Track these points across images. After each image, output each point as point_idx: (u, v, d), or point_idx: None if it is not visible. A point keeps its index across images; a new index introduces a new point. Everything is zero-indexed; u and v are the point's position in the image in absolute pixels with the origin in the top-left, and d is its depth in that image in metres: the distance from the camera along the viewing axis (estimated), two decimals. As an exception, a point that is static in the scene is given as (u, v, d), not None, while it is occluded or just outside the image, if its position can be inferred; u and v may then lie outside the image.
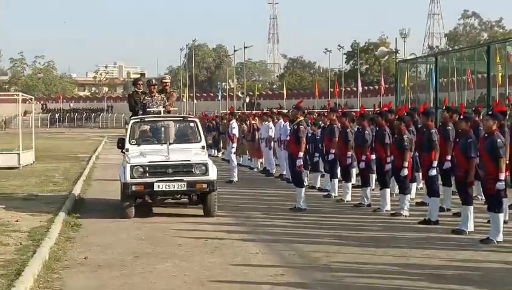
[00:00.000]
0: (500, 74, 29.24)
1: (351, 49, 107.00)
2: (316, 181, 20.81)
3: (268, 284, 9.40)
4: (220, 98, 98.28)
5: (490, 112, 12.57)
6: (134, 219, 14.99)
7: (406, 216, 15.15)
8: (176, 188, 14.76)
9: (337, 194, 18.53)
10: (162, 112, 16.92)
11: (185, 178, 14.70)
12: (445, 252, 11.50)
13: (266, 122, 26.29)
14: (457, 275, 9.94)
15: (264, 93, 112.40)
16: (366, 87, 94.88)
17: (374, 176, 18.29)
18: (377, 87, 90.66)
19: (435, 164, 14.35)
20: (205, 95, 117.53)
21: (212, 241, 12.49)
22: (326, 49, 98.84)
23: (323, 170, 20.53)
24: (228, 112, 35.27)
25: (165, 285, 9.44)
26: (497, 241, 12.04)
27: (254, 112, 50.18)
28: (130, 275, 10.02)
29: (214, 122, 39.51)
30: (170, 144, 15.62)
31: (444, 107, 17.30)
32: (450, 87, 33.00)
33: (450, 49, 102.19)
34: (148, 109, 17.08)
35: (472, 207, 13.19)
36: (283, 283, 9.49)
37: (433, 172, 14.35)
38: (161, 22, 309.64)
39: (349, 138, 17.58)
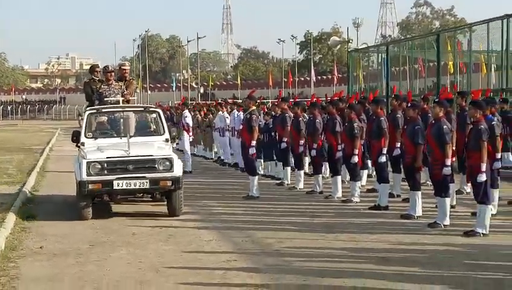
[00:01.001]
0: (451, 62, 29.81)
1: (304, 39, 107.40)
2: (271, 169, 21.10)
3: (221, 269, 9.62)
4: (174, 88, 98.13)
5: (437, 100, 12.91)
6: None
7: (356, 202, 15.47)
8: (137, 186, 13.53)
9: (289, 182, 18.82)
10: (121, 102, 15.46)
11: (147, 175, 13.51)
12: (394, 236, 11.83)
13: (221, 112, 26.49)
14: (404, 258, 10.27)
15: (218, 83, 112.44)
16: (319, 77, 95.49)
17: (325, 164, 18.58)
18: (330, 76, 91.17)
19: (385, 150, 14.73)
20: (159, 86, 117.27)
21: (166, 230, 12.69)
22: (279, 39, 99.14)
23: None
24: (181, 102, 35.41)
25: (120, 272, 9.61)
26: (444, 225, 12.41)
27: (209, 102, 50.33)
28: (85, 263, 10.18)
29: (168, 113, 39.54)
30: (130, 137, 14.18)
31: (393, 96, 17.65)
32: (401, 76, 33.53)
33: (402, 38, 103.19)
34: (105, 99, 15.63)
35: (420, 192, 13.56)
36: (235, 268, 9.72)
37: (383, 159, 14.71)
38: (113, 13, 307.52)
39: (301, 127, 17.85)
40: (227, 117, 25.67)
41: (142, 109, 16.15)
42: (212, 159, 28.16)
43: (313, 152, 17.24)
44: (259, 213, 14.47)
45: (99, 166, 13.47)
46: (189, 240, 11.79)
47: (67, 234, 12.49)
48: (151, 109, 15.91)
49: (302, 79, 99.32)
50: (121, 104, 15.39)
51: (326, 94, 26.60)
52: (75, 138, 14.79)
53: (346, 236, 11.89)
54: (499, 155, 13.05)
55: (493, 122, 12.87)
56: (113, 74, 16.12)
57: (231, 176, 21.68)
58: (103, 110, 15.31)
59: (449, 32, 30.99)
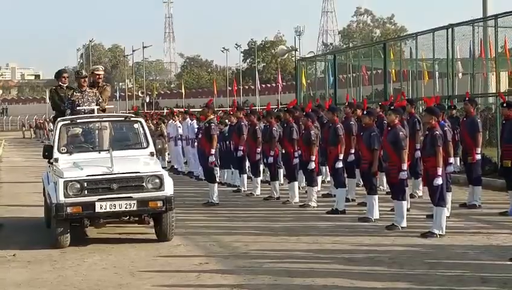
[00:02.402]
0: (393, 70, 30.63)
1: (248, 48, 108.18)
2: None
3: (194, 271, 10.04)
4: (118, 98, 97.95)
5: (392, 107, 13.49)
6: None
7: (314, 207, 15.98)
8: (123, 208, 11.81)
9: (246, 189, 19.28)
10: (96, 111, 13.81)
11: (134, 195, 11.81)
12: (355, 238, 12.36)
13: (173, 121, 26.84)
14: (367, 258, 10.78)
15: (162, 92, 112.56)
16: (263, 85, 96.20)
17: (281, 171, 19.08)
18: (274, 84, 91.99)
19: (341, 157, 15.26)
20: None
21: (134, 237, 13.03)
22: (224, 48, 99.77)
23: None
24: (133, 111, 35.60)
25: (98, 276, 9.97)
26: (401, 227, 12.97)
27: (157, 111, 50.53)
28: (61, 269, 10.54)
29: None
30: (108, 151, 12.46)
31: (347, 103, 18.22)
32: (347, 83, 34.20)
33: (344, 46, 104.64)
34: (78, 108, 13.91)
35: (377, 196, 14.14)
36: (208, 270, 10.14)
37: (340, 165, 15.25)
38: (55, 23, 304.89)
39: (257, 135, 18.33)
40: (179, 126, 26.06)
41: (123, 118, 14.07)
42: (165, 167, 28.43)
43: (270, 159, 17.72)
44: (221, 219, 14.91)
45: (79, 185, 11.68)
46: (158, 246, 12.16)
47: (37, 242, 12.73)
48: (132, 119, 13.92)
49: (247, 87, 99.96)
50: (96, 114, 13.75)
51: (269, 102, 27.09)
52: (47, 153, 12.83)
53: (309, 239, 12.38)
54: (451, 160, 13.66)
55: (445, 128, 13.47)
56: (86, 79, 14.48)
57: (188, 184, 22.06)
58: (77, 120, 13.43)
59: (392, 41, 31.78)
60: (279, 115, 18.67)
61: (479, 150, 15.18)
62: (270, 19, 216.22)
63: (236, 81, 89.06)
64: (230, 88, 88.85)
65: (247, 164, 19.63)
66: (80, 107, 13.96)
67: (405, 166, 12.97)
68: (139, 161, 12.60)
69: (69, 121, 13.39)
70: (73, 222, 12.07)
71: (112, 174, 11.85)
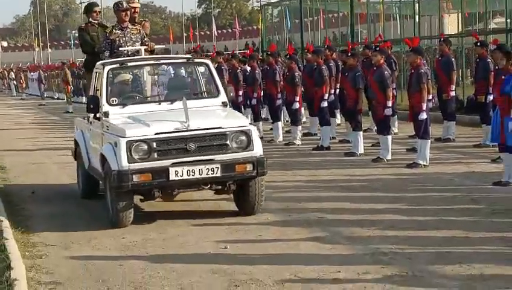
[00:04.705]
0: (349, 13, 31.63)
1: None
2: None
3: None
4: (72, 46, 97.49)
5: (378, 48, 14.50)
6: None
7: (298, 145, 17.02)
8: (204, 175, 9.41)
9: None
10: (143, 53, 11.47)
11: (217, 157, 9.49)
12: (346, 171, 13.42)
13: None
14: (363, 186, 11.87)
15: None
16: (219, 31, 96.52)
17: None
18: (230, 30, 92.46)
19: (326, 96, 16.27)
20: (56, 43, 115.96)
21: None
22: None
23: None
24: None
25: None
26: (387, 160, 14.05)
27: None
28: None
29: (84, 69, 40.19)
30: (173, 101, 10.36)
31: (326, 46, 19.15)
32: (303, 27, 34.67)
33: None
34: (120, 49, 11.58)
35: (361, 132, 15.17)
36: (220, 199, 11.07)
37: (325, 104, 16.26)
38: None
39: (239, 78, 19.23)
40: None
41: (185, 60, 11.71)
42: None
43: (254, 101, 18.65)
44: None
45: (146, 147, 9.32)
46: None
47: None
48: (198, 61, 11.64)
49: (203, 33, 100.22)
50: (149, 56, 11.70)
51: (225, 46, 27.49)
52: (92, 106, 10.26)
53: (305, 172, 13.42)
54: (430, 96, 14.74)
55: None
56: (128, 13, 12.02)
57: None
58: (128, 64, 10.88)
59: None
60: (262, 58, 19.59)
61: (453, 87, 16.26)
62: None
63: (192, 27, 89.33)
64: (186, 34, 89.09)
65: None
66: (123, 48, 11.61)
67: (390, 103, 13.99)
68: (217, 114, 10.29)
69: (117, 65, 10.71)
70: (139, 193, 9.77)
71: (188, 130, 9.45)
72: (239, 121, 10.01)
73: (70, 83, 35.11)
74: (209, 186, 9.76)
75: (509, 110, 10.80)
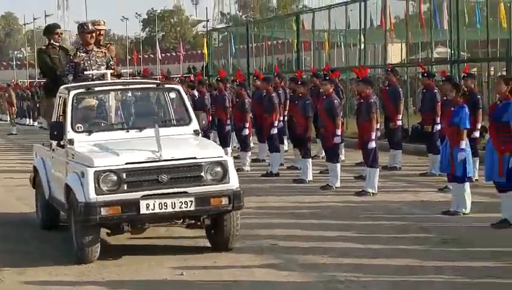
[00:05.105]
0: (294, 41, 32.02)
1: (147, 17, 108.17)
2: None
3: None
4: (15, 67, 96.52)
5: (327, 77, 14.72)
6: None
7: (247, 171, 17.12)
8: (177, 208, 8.85)
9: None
10: (109, 77, 10.76)
11: (190, 189, 8.93)
12: (295, 198, 13.54)
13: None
14: (313, 213, 11.99)
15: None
16: (163, 54, 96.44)
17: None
18: (174, 54, 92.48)
19: (276, 123, 16.43)
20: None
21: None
22: (123, 16, 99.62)
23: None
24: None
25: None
26: (335, 187, 14.22)
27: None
28: None
29: (28, 91, 39.99)
30: (142, 129, 9.78)
31: (275, 74, 19.33)
32: (249, 53, 34.91)
33: (242, 16, 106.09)
34: (85, 72, 11.00)
35: (310, 159, 15.33)
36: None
37: (275, 131, 16.42)
38: None
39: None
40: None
41: (154, 86, 10.92)
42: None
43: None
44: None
45: (116, 178, 8.72)
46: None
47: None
48: (168, 86, 10.81)
49: (147, 56, 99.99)
50: (118, 80, 11.19)
51: (168, 69, 27.34)
52: (56, 132, 9.75)
53: (255, 198, 13.45)
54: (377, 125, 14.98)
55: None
56: (93, 35, 11.58)
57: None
58: (95, 88, 10.25)
59: (306, 13, 33.07)
60: (210, 83, 19.70)
61: (400, 116, 16.55)
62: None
63: (136, 50, 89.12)
64: (130, 57, 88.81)
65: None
66: (88, 72, 11.06)
67: (339, 131, 14.20)
68: (190, 143, 9.75)
69: (83, 90, 10.12)
70: (107, 227, 9.14)
71: (160, 161, 8.87)
72: (214, 151, 9.43)
73: (15, 105, 34.74)
74: (181, 220, 9.18)
75: (459, 141, 11.07)
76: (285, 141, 18.55)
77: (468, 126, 11.40)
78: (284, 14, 54.05)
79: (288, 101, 17.35)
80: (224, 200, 9.03)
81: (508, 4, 22.59)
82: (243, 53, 34.91)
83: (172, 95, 10.42)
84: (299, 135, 15.34)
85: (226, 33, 38.88)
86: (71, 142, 9.52)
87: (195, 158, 9.02)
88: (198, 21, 74.65)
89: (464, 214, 11.31)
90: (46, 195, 10.76)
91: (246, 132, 17.08)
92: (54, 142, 10.12)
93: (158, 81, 12.09)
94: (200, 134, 10.16)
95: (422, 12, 24.76)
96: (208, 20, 65.15)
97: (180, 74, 56.15)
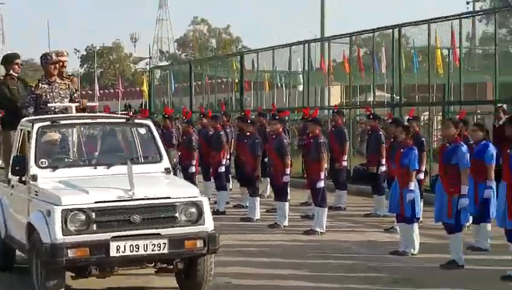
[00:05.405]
0: (236, 80, 32.30)
1: (86, 53, 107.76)
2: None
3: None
4: None
5: (275, 117, 14.87)
6: None
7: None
8: (149, 251, 8.31)
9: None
10: (74, 110, 10.44)
11: (164, 231, 8.42)
12: (244, 236, 13.58)
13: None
14: (262, 252, 12.05)
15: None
16: (102, 91, 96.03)
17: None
18: (113, 90, 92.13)
19: (224, 162, 16.50)
20: None
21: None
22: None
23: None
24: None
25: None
26: (283, 226, 14.31)
27: None
28: None
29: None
30: (110, 166, 9.29)
31: (222, 112, 19.44)
32: (189, 91, 34.96)
33: (182, 54, 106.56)
34: (49, 105, 10.68)
35: (258, 198, 15.45)
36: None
37: (222, 169, 16.49)
38: None
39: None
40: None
41: (124, 120, 10.33)
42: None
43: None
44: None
45: (85, 217, 8.18)
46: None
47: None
48: (137, 122, 10.23)
49: (85, 92, 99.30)
50: (85, 114, 10.73)
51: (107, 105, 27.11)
52: (18, 167, 9.13)
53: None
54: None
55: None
56: (57, 66, 11.14)
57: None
58: (61, 122, 9.73)
59: (249, 53, 33.34)
60: (156, 121, 19.68)
61: (345, 157, 16.78)
62: (108, 25, 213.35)
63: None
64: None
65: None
66: (51, 104, 10.70)
67: (288, 170, 14.34)
68: (162, 181, 9.26)
69: (48, 123, 9.57)
70: (73, 270, 8.55)
71: (132, 200, 8.36)
72: (188, 190, 8.88)
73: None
74: (153, 264, 8.67)
75: (408, 182, 11.27)
76: (231, 180, 18.61)
77: (417, 167, 11.67)
78: (226, 54, 54.46)
79: (233, 140, 17.50)
80: (199, 243, 8.54)
81: (445, 51, 23.24)
82: (181, 91, 35.03)
83: (142, 130, 9.89)
84: (247, 173, 15.42)
85: (165, 71, 38.97)
86: (34, 178, 8.93)
87: (169, 198, 8.52)
88: (140, 58, 74.39)
89: (412, 254, 11.49)
90: (2, 234, 10.18)
91: (193, 169, 17.10)
92: (15, 178, 9.43)
93: (127, 116, 11.57)
94: (171, 172, 9.63)
95: (361, 57, 25.25)
96: (150, 58, 65.17)
97: (118, 111, 56.00)
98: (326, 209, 13.85)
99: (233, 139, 17.77)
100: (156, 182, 9.13)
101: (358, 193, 18.83)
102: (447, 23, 19.31)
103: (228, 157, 17.25)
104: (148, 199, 8.41)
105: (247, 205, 15.82)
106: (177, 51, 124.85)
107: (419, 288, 9.57)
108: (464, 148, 10.66)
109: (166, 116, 18.73)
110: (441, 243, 11.92)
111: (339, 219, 15.46)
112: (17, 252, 10.11)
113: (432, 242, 12.40)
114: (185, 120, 17.73)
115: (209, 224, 8.70)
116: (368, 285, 9.69)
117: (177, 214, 8.45)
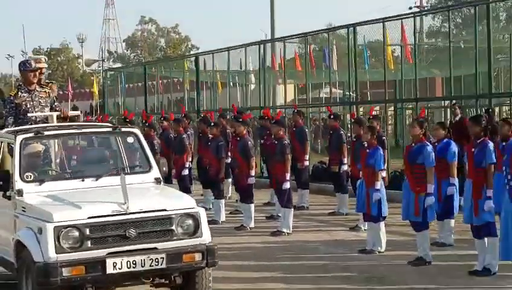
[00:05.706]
0: (188, 80, 32.43)
1: (33, 55, 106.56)
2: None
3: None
4: None
5: (238, 119, 14.99)
6: None
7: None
8: (147, 266, 8.00)
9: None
10: (55, 120, 10.07)
11: (161, 245, 8.11)
12: (213, 239, 13.63)
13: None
14: (233, 255, 12.10)
15: None
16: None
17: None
18: (61, 92, 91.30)
19: (187, 164, 16.60)
20: None
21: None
22: (9, 54, 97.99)
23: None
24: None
25: None
26: (250, 227, 14.45)
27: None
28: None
29: None
30: (98, 177, 8.88)
31: (183, 115, 19.52)
32: (142, 91, 34.86)
33: (131, 54, 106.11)
34: (29, 114, 10.32)
35: (223, 200, 15.55)
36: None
37: (186, 172, 16.59)
38: None
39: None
40: None
41: (110, 129, 9.85)
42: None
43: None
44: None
45: (78, 234, 7.82)
46: None
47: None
48: (125, 130, 9.80)
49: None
50: (70, 124, 10.21)
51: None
52: (1, 182, 8.67)
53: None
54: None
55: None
56: (37, 74, 10.76)
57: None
58: (45, 133, 9.19)
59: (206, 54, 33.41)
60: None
61: (307, 156, 16.95)
62: (54, 26, 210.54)
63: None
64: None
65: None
66: (31, 114, 10.34)
67: (253, 172, 14.49)
68: (155, 193, 9.01)
69: (32, 134, 9.07)
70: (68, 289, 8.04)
71: (127, 214, 7.99)
72: (184, 201, 8.51)
73: None
74: (151, 279, 8.32)
75: (374, 182, 11.50)
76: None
77: (382, 167, 11.91)
78: (181, 55, 54.45)
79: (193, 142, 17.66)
80: (198, 256, 8.23)
81: (393, 48, 23.63)
82: (133, 91, 34.96)
83: (130, 139, 9.52)
84: (212, 176, 15.53)
85: (114, 72, 38.95)
86: (20, 193, 8.47)
87: (165, 210, 8.17)
88: (94, 60, 73.88)
89: (379, 252, 11.72)
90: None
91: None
92: None
93: (114, 125, 10.79)
94: (162, 182, 9.25)
95: (312, 54, 25.52)
96: (103, 60, 64.75)
97: (68, 112, 55.48)
98: (292, 209, 14.02)
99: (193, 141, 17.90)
100: (149, 193, 8.88)
101: (319, 191, 19.05)
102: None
103: (190, 159, 17.33)
104: (144, 212, 8.07)
105: (211, 207, 15.90)
106: (125, 51, 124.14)
107: (392, 286, 9.80)
108: (430, 147, 10.91)
109: (127, 120, 18.72)
110: (405, 239, 12.22)
111: (303, 219, 15.64)
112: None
113: (396, 239, 12.64)
114: (146, 124, 17.75)
115: (206, 236, 8.39)
116: (342, 285, 9.89)
117: (173, 227, 8.14)
